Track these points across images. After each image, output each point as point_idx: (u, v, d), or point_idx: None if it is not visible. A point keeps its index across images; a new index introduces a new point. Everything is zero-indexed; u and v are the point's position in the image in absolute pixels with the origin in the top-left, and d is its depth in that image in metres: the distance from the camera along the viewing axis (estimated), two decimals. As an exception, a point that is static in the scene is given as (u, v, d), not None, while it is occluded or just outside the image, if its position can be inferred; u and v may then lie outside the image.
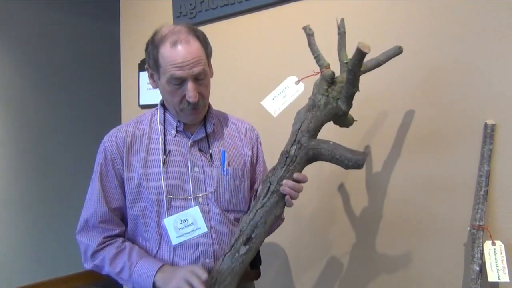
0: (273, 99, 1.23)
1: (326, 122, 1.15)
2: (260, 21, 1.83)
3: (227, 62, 1.94)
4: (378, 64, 1.13)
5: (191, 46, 1.11)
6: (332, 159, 1.09)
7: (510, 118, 1.23)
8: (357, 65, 1.04)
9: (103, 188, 1.19)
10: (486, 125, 1.25)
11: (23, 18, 3.44)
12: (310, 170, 1.65)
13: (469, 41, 1.30)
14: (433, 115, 1.36)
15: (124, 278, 1.14)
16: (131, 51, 2.41)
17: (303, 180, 1.11)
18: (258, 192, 1.13)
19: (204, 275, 1.02)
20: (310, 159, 1.11)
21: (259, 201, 1.09)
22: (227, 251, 1.08)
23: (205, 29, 1.99)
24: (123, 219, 1.24)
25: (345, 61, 1.10)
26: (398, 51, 1.11)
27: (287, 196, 1.10)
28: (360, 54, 1.00)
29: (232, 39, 1.92)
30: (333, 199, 1.60)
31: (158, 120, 1.24)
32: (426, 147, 1.38)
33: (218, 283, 1.03)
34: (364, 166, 1.50)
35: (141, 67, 2.34)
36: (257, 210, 1.08)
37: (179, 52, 1.10)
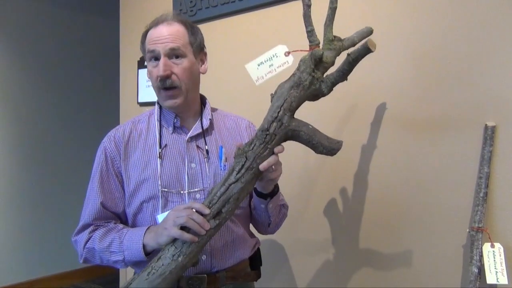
0: (259, 65, 1.16)
1: (305, 101, 1.12)
2: (260, 20, 1.82)
3: (227, 60, 1.93)
4: (353, 44, 1.12)
5: (171, 26, 1.17)
6: (308, 143, 1.08)
7: (511, 120, 1.23)
8: (359, 60, 1.05)
9: (102, 187, 1.19)
10: (486, 127, 1.25)
11: (21, 14, 3.42)
12: (310, 171, 1.65)
13: (469, 42, 1.29)
14: (433, 116, 1.36)
15: (114, 251, 1.12)
16: (130, 48, 2.40)
17: (281, 151, 1.07)
18: (232, 164, 1.07)
19: (196, 204, 1.01)
20: (287, 139, 1.09)
21: (232, 174, 1.03)
22: None
23: (205, 27, 1.99)
24: (120, 217, 1.24)
25: (348, 53, 1.07)
26: (369, 31, 1.12)
27: (265, 173, 1.05)
28: (367, 50, 1.02)
29: (233, 37, 1.92)
30: (332, 200, 1.60)
31: (156, 118, 1.24)
32: (425, 148, 1.38)
33: (183, 254, 0.99)
34: (364, 168, 1.51)
35: (140, 64, 2.33)
36: (230, 185, 1.02)
37: (158, 30, 1.17)
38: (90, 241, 1.15)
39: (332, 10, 1.11)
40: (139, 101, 2.33)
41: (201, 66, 1.25)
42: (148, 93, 2.29)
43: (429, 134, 1.37)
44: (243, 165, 1.03)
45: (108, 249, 1.13)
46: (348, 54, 1.07)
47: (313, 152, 1.10)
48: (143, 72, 2.30)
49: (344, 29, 1.19)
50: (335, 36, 1.11)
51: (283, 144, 1.08)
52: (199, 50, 1.23)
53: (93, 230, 1.16)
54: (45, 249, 3.52)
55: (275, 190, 1.20)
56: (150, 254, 1.10)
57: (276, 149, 1.05)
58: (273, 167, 1.06)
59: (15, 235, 3.34)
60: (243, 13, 1.87)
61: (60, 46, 3.68)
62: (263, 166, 1.03)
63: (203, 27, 2.10)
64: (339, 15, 1.15)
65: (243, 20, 1.88)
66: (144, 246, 1.08)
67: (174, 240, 1.01)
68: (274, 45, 1.77)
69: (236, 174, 1.03)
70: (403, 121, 1.43)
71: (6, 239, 3.29)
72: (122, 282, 2.41)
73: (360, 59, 1.05)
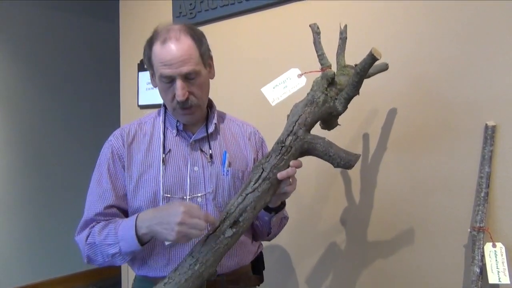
0: (274, 87, 1.23)
1: (320, 119, 1.16)
2: (260, 22, 1.82)
3: (227, 62, 1.93)
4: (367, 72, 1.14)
5: (181, 44, 1.09)
6: (325, 155, 1.09)
7: (511, 120, 1.22)
8: (366, 69, 1.07)
9: (113, 182, 1.17)
10: (486, 126, 1.24)
11: (23, 17, 3.43)
12: (315, 176, 1.65)
13: (470, 42, 1.29)
14: (434, 116, 1.36)
15: (111, 243, 1.07)
16: (131, 51, 2.40)
17: (299, 166, 1.08)
18: (249, 177, 1.09)
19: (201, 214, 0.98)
20: (304, 152, 1.11)
21: (249, 185, 1.05)
22: (211, 232, 1.02)
23: (204, 29, 1.99)
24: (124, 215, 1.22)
25: (355, 64, 1.10)
26: (384, 67, 1.20)
27: (282, 184, 1.06)
28: (372, 59, 1.04)
29: (232, 39, 1.92)
30: (334, 203, 1.60)
31: (161, 120, 1.23)
32: (426, 148, 1.38)
33: (199, 263, 1.00)
34: (364, 169, 1.51)
35: (140, 67, 2.33)
36: (247, 194, 1.04)
37: (167, 50, 1.09)
38: (90, 235, 1.12)
39: (343, 40, 1.18)
40: (140, 103, 2.34)
41: (210, 71, 1.22)
42: (148, 95, 2.29)
43: (429, 134, 1.37)
44: (260, 176, 1.05)
45: (105, 242, 1.09)
46: (355, 65, 1.10)
47: (323, 161, 1.11)
48: (143, 75, 2.31)
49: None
50: (347, 64, 1.16)
51: (300, 159, 1.10)
52: (208, 57, 1.20)
53: (91, 231, 1.13)
54: (47, 252, 3.52)
55: (281, 206, 1.21)
56: (145, 244, 1.07)
57: (292, 163, 1.06)
58: (290, 180, 1.07)
59: (16, 239, 3.34)
60: (242, 15, 1.87)
61: (60, 49, 3.68)
62: (281, 174, 1.04)
63: (202, 30, 2.10)
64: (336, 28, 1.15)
65: (242, 22, 1.88)
66: (140, 236, 1.04)
67: (192, 251, 1.03)
68: (273, 47, 1.78)
69: (253, 184, 1.05)
70: (403, 122, 1.42)
71: (8, 242, 3.29)
72: (124, 285, 2.41)
73: (368, 69, 1.07)
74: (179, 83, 1.09)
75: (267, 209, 1.18)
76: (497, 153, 1.24)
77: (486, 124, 1.25)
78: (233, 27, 1.91)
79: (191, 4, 2.03)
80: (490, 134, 1.23)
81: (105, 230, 1.10)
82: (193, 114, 1.18)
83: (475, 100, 1.28)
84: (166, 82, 1.12)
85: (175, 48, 1.09)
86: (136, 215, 1.07)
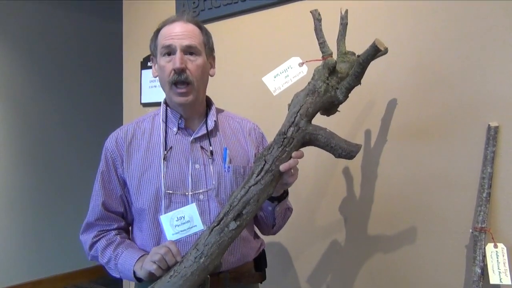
0: (275, 77, 1.22)
1: (321, 109, 1.15)
2: (263, 20, 1.82)
3: (230, 60, 1.93)
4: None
5: (187, 25, 1.19)
6: (326, 146, 1.09)
7: (514, 120, 1.23)
8: (369, 60, 1.06)
9: (104, 187, 1.22)
10: (489, 127, 1.24)
11: (26, 16, 3.44)
12: (318, 174, 1.65)
13: (473, 42, 1.29)
14: (436, 116, 1.36)
15: (112, 268, 1.19)
16: (134, 49, 2.41)
17: (301, 157, 1.09)
18: (251, 168, 1.10)
19: (173, 247, 1.05)
20: (305, 143, 1.10)
21: (252, 177, 1.05)
22: (215, 224, 1.03)
23: (208, 27, 1.99)
24: (124, 216, 1.26)
25: (358, 55, 1.09)
26: (384, 52, 1.12)
27: (284, 175, 1.08)
28: (375, 50, 1.03)
29: (235, 38, 1.92)
30: (335, 201, 1.60)
31: (161, 118, 1.24)
32: (428, 148, 1.38)
33: (204, 256, 1.01)
34: (367, 170, 1.51)
35: (143, 65, 2.34)
36: (250, 187, 1.04)
37: (173, 27, 1.18)
38: (93, 250, 1.21)
39: (344, 25, 1.16)
40: (142, 101, 2.34)
41: (210, 69, 1.26)
42: (151, 93, 2.29)
43: (432, 134, 1.37)
44: (262, 168, 1.05)
45: (108, 265, 1.20)
46: (358, 56, 1.09)
47: (323, 156, 1.10)
48: (146, 73, 2.31)
49: (348, 35, 1.19)
50: (348, 51, 1.15)
51: (302, 149, 1.10)
52: (210, 52, 1.25)
53: (95, 242, 1.21)
54: (48, 249, 3.53)
55: (284, 195, 1.21)
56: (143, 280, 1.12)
57: (294, 154, 1.07)
58: (292, 170, 1.08)
59: (18, 236, 3.36)
60: (245, 14, 1.88)
61: (63, 47, 3.69)
62: (284, 167, 1.05)
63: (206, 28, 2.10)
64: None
65: (245, 21, 1.89)
66: (134, 272, 1.12)
67: (196, 244, 1.03)
68: (276, 46, 1.79)
69: (256, 176, 1.05)
70: (406, 122, 1.43)
71: (9, 240, 3.31)
72: (125, 283, 2.41)
73: (371, 60, 1.06)
74: (178, 54, 1.15)
75: (270, 198, 1.19)
76: (499, 153, 1.25)
77: (489, 125, 1.25)
78: (237, 25, 1.92)
79: (194, 2, 2.04)
80: (492, 135, 1.23)
81: (106, 254, 1.19)
82: (188, 94, 1.18)
83: (477, 100, 1.28)
84: (166, 54, 1.17)
85: (181, 26, 1.18)
86: (136, 258, 1.13)
